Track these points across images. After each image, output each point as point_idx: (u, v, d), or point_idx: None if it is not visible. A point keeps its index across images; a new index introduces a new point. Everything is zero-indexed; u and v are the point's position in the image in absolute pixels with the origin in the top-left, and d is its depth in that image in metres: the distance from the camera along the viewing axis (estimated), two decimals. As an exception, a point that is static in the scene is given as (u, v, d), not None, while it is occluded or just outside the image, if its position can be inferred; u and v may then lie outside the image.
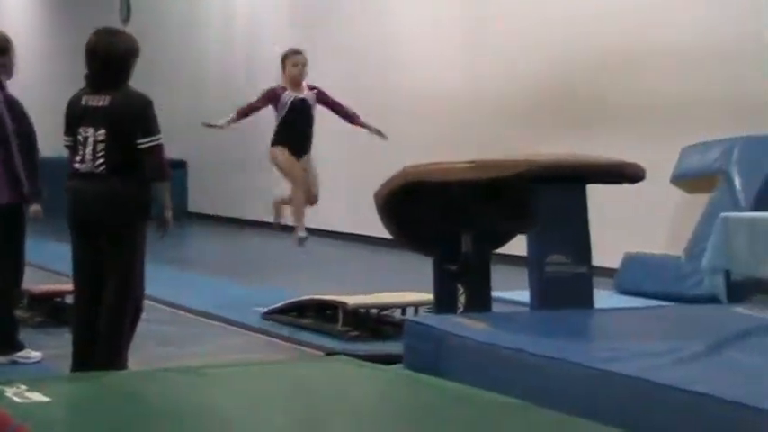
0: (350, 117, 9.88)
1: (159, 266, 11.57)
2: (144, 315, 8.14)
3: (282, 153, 9.44)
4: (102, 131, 5.93)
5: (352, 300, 7.83)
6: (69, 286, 7.30)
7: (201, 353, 7.20)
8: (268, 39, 15.77)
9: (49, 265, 10.56)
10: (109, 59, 5.99)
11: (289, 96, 9.50)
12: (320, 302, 8.06)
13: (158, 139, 6.01)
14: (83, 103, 6.03)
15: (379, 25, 13.83)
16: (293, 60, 9.58)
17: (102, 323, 5.99)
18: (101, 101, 5.98)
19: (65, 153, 6.16)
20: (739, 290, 8.46)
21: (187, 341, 7.60)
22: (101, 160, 5.94)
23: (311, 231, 14.71)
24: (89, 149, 5.95)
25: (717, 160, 9.60)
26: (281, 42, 15.41)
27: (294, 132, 9.49)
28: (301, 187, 9.61)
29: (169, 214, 6.13)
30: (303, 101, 9.55)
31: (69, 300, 8.19)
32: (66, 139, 6.12)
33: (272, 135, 9.61)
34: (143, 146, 5.94)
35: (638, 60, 10.60)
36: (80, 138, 5.99)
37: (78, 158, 6.00)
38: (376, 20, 13.88)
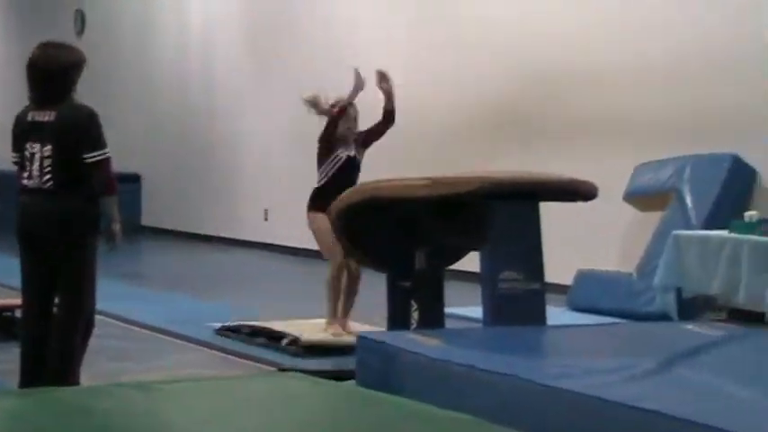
0: (387, 118, 8.36)
1: (112, 281, 11.52)
2: (96, 330, 8.07)
3: (325, 222, 7.37)
4: (49, 147, 5.85)
5: (307, 335, 7.74)
6: (19, 300, 7.23)
7: (155, 368, 7.16)
8: (223, 51, 15.75)
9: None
10: (51, 73, 5.92)
11: (343, 152, 8.13)
12: (272, 334, 7.94)
13: (105, 153, 5.91)
14: (29, 118, 5.95)
15: (330, 37, 13.85)
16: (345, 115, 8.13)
17: (52, 339, 5.93)
18: (46, 116, 5.89)
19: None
20: (690, 307, 8.55)
21: (140, 356, 7.56)
22: (48, 176, 5.86)
23: (267, 247, 14.76)
24: (36, 165, 5.88)
25: (669, 178, 9.68)
26: (236, 55, 15.44)
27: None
28: (343, 269, 7.95)
29: (118, 228, 6.06)
30: (354, 159, 8.13)
31: (19, 314, 8.13)
32: (14, 155, 6.03)
33: (311, 195, 8.27)
34: (90, 160, 5.85)
35: (592, 78, 10.68)
36: (27, 154, 5.91)
37: (26, 174, 5.93)
38: (328, 31, 13.90)
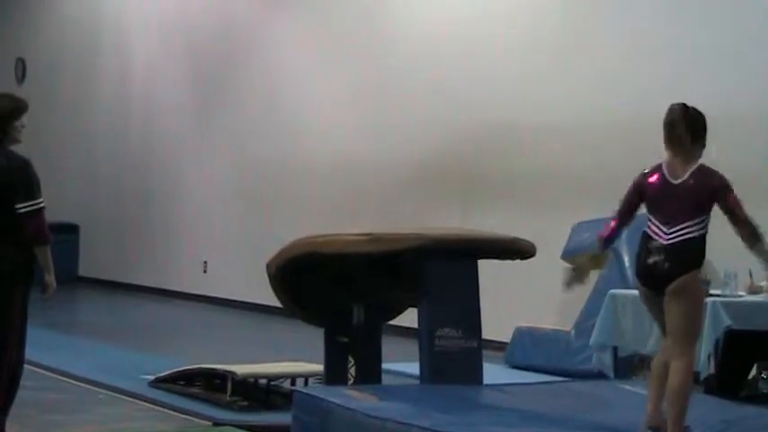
0: None
1: (44, 331, 11.36)
2: (28, 382, 7.95)
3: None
4: None
5: (241, 369, 7.76)
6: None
7: (85, 421, 7.06)
8: (163, 103, 15.71)
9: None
10: None
11: None
12: (209, 371, 7.96)
13: (40, 203, 5.77)
14: None
15: (271, 91, 13.87)
16: None
17: None
18: None
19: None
20: (627, 366, 8.58)
21: (73, 409, 7.44)
22: None
23: (206, 299, 14.68)
24: None
25: (607, 237, 9.74)
26: (177, 106, 15.41)
27: None
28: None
29: (51, 278, 5.87)
30: None
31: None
32: None
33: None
34: (23, 210, 5.70)
35: (533, 137, 10.76)
36: None
37: None
38: (273, 84, 13.92)
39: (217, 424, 6.73)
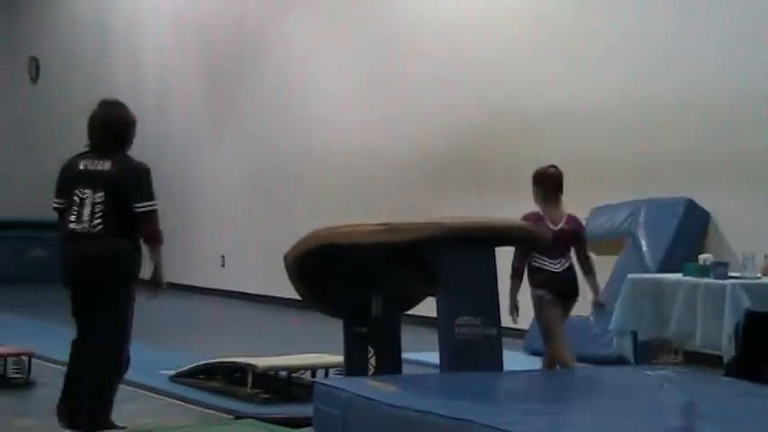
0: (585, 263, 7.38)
1: (63, 328, 11.41)
2: (47, 379, 8.03)
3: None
4: (101, 194, 6.20)
5: (261, 362, 7.78)
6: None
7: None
8: (178, 98, 15.74)
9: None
10: (109, 128, 6.35)
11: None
12: (229, 365, 7.99)
13: (154, 205, 6.29)
14: (80, 167, 6.32)
15: (288, 84, 13.87)
16: None
17: (88, 377, 6.23)
18: (100, 165, 6.28)
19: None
20: (647, 350, 8.57)
21: (94, 405, 7.46)
22: (98, 221, 6.18)
23: (224, 293, 14.68)
24: (87, 210, 6.20)
25: (624, 222, 9.73)
26: (192, 102, 15.43)
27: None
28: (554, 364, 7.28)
29: (162, 276, 6.37)
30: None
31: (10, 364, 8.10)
32: (58, 201, 6.36)
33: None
34: (140, 210, 6.22)
35: (548, 123, 10.75)
36: (76, 199, 6.23)
37: (74, 218, 6.22)
38: (286, 78, 13.93)
39: (238, 417, 6.74)
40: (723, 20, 9.47)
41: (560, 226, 7.12)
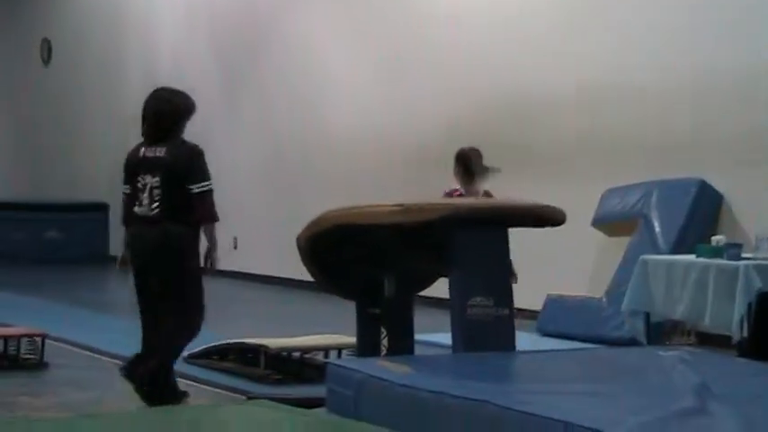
0: None
1: (77, 309, 11.47)
2: (60, 360, 8.06)
3: None
4: (158, 179, 6.56)
5: (274, 343, 7.79)
6: (21, 331, 8.09)
7: (121, 398, 7.10)
8: (191, 80, 15.73)
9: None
10: (161, 115, 6.66)
11: None
12: (242, 346, 8.01)
13: (208, 185, 6.60)
14: (140, 154, 6.67)
15: (300, 66, 13.86)
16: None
17: (159, 348, 6.70)
18: (157, 151, 6.61)
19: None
20: (659, 332, 8.57)
21: (106, 386, 7.49)
22: (156, 204, 6.54)
23: (236, 275, 14.71)
24: (146, 195, 6.58)
25: (637, 203, 9.72)
26: (205, 83, 15.43)
27: None
28: None
29: (216, 254, 6.76)
30: None
31: (24, 345, 8.12)
32: (126, 187, 6.73)
33: None
34: (196, 191, 6.55)
35: (559, 104, 10.72)
36: (139, 185, 6.61)
37: (137, 203, 6.61)
38: (297, 59, 13.92)
39: (251, 398, 6.76)
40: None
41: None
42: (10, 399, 6.99)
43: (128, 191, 6.73)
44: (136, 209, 6.64)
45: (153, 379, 6.60)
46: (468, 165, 7.74)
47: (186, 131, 6.80)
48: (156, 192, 6.57)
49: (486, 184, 7.83)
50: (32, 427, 4.66)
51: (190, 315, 6.73)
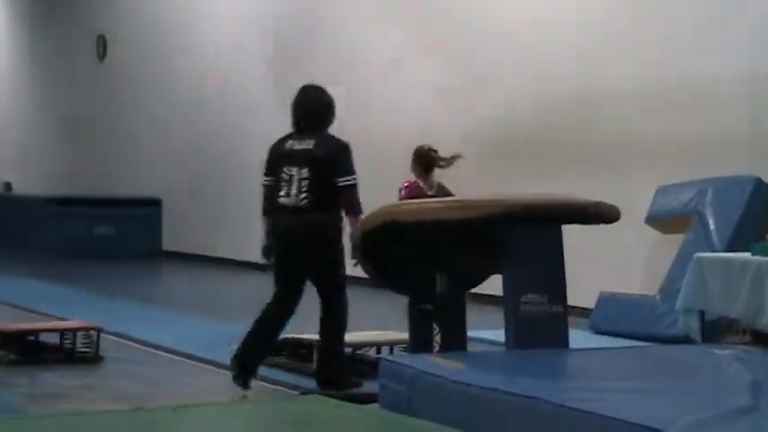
0: None
1: (131, 304, 11.57)
2: (116, 354, 8.13)
3: None
4: (306, 170, 6.85)
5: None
6: (42, 324, 7.39)
7: (176, 392, 7.15)
8: (239, 72, 15.79)
9: (21, 303, 10.50)
10: (308, 110, 7.01)
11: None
12: (295, 341, 8.03)
13: (354, 179, 6.88)
14: (287, 146, 6.98)
15: (348, 63, 13.88)
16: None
17: (322, 339, 7.11)
18: (305, 144, 6.91)
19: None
20: (714, 330, 8.50)
21: (162, 380, 7.55)
22: (304, 195, 6.82)
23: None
24: (294, 186, 6.85)
25: (691, 201, 9.65)
26: (256, 81, 15.49)
27: None
28: None
29: (359, 244, 6.82)
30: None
31: (43, 338, 8.18)
32: (267, 179, 7.04)
33: None
34: (342, 183, 6.83)
35: (613, 102, 10.67)
36: (285, 176, 6.90)
37: (283, 193, 6.89)
38: (347, 57, 13.94)
39: (304, 393, 6.78)
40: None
41: (434, 191, 8.00)
42: (66, 391, 7.06)
43: (270, 182, 6.98)
44: (282, 199, 6.89)
45: (329, 369, 7.00)
46: (427, 161, 8.19)
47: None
48: (305, 183, 6.83)
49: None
50: (96, 419, 4.70)
51: (340, 298, 7.05)
